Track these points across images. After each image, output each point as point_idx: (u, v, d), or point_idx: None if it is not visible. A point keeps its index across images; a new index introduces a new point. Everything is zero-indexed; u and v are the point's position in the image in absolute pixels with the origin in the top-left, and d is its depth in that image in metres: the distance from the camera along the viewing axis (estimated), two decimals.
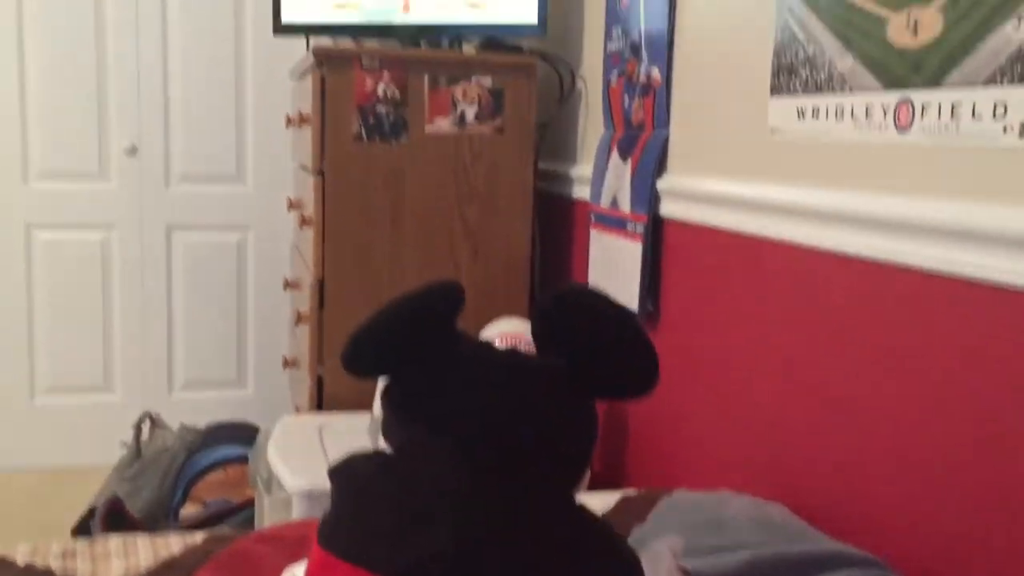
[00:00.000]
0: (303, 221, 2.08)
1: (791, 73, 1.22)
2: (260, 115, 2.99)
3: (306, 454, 1.66)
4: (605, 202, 1.84)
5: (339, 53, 1.94)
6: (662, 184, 1.61)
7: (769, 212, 1.28)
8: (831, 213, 1.13)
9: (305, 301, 2.09)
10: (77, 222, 2.90)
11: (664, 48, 1.62)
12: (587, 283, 1.94)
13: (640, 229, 1.67)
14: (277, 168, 3.02)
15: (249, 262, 3.05)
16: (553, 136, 2.25)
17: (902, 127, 1.02)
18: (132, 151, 2.90)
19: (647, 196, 1.65)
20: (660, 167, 1.64)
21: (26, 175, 2.86)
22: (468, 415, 0.66)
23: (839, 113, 1.12)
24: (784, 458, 1.26)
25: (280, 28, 2.15)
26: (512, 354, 0.71)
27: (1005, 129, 0.87)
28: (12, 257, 2.87)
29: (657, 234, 1.65)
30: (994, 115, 0.88)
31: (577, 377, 0.69)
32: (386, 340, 0.69)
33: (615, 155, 1.80)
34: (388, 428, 0.71)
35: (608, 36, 1.86)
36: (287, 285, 2.47)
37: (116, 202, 2.92)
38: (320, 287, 1.97)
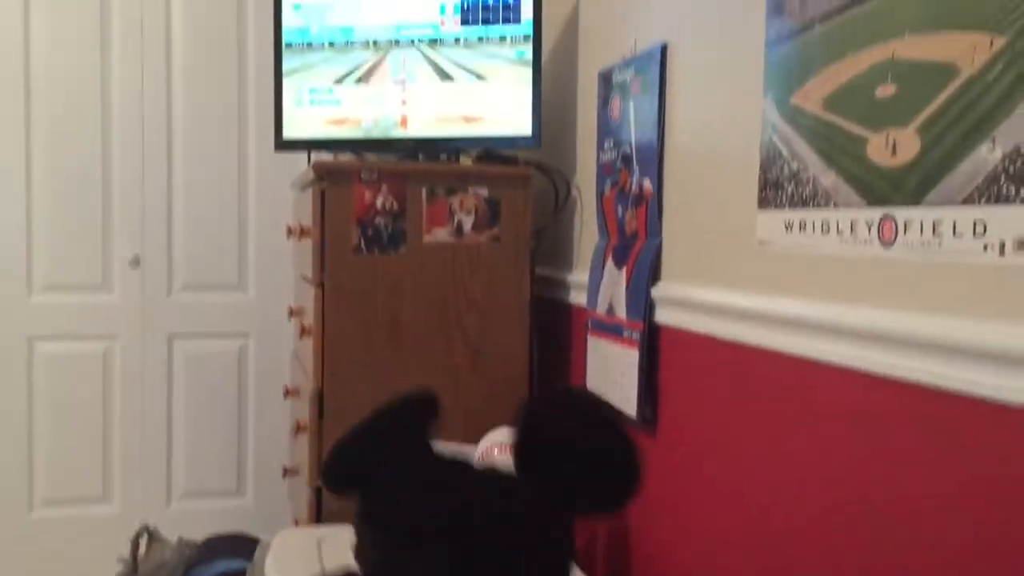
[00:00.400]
0: (303, 331, 2.09)
1: (777, 187, 1.25)
2: (262, 224, 3.04)
3: (304, 569, 1.63)
4: (601, 309, 1.86)
5: (339, 167, 1.98)
6: (656, 292, 1.63)
7: (761, 322, 1.29)
8: (821, 325, 1.15)
9: (305, 410, 2.09)
10: (79, 333, 2.92)
11: (655, 160, 1.66)
12: (575, 386, 1.94)
13: (636, 336, 1.68)
14: (278, 275, 3.05)
15: (250, 369, 3.06)
16: (549, 243, 2.28)
17: (886, 242, 1.04)
18: (135, 262, 2.94)
19: (642, 304, 1.67)
20: (654, 275, 1.66)
21: (30, 288, 2.89)
22: (433, 535, 0.66)
23: (825, 227, 1.15)
24: (787, 570, 1.25)
25: (281, 144, 2.20)
26: (484, 472, 0.71)
27: (986, 247, 0.89)
28: (13, 370, 2.88)
29: (653, 341, 1.66)
30: (974, 233, 0.90)
31: (551, 495, 0.68)
32: (357, 458, 0.70)
33: (610, 263, 1.83)
34: (359, 548, 0.71)
35: (600, 147, 1.91)
36: (287, 393, 2.47)
37: (118, 312, 2.95)
38: (320, 397, 1.98)
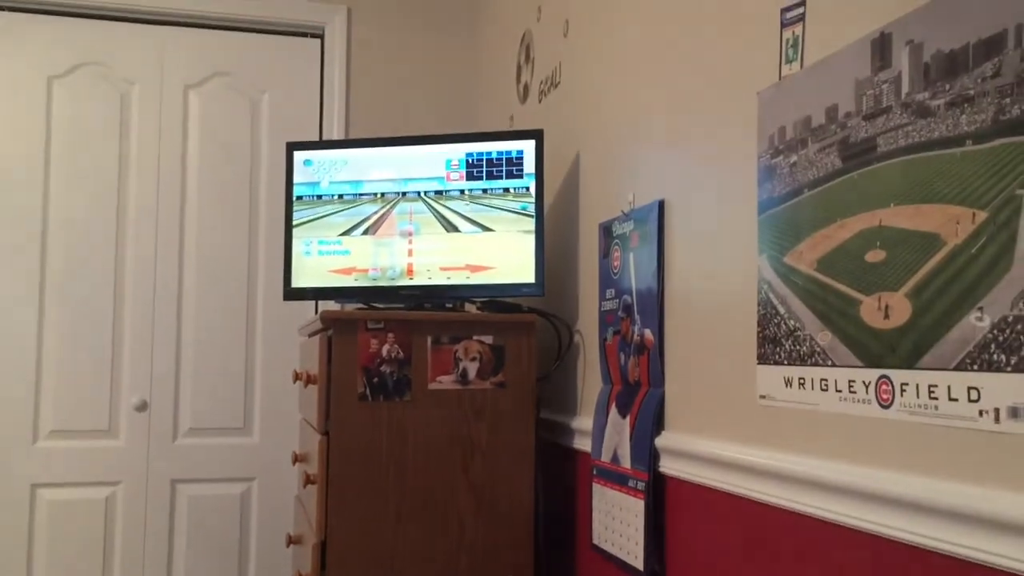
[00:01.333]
0: (307, 479, 2.08)
1: (775, 344, 1.28)
2: (269, 368, 3.06)
3: None
4: (606, 456, 1.85)
5: (346, 317, 2.01)
6: (661, 442, 1.64)
7: (764, 477, 1.29)
8: (823, 483, 1.15)
9: (307, 561, 2.05)
10: (82, 480, 2.90)
11: (655, 311, 1.69)
12: (592, 537, 1.92)
13: (641, 486, 1.68)
14: (284, 419, 3.06)
15: (252, 514, 3.02)
16: (553, 389, 2.29)
17: (884, 403, 1.05)
18: (142, 407, 2.95)
19: (647, 453, 1.66)
20: (658, 425, 1.66)
21: (36, 435, 2.89)
22: None
23: (824, 385, 1.16)
24: None
25: (290, 293, 2.24)
26: None
27: (981, 413, 0.91)
28: (15, 517, 2.85)
29: (659, 491, 1.65)
30: (969, 399, 0.92)
31: None
32: None
33: (614, 411, 1.83)
34: None
35: (602, 296, 1.95)
36: (290, 541, 2.44)
37: (123, 458, 2.94)
38: (323, 548, 1.95)
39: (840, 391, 1.13)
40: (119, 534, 2.92)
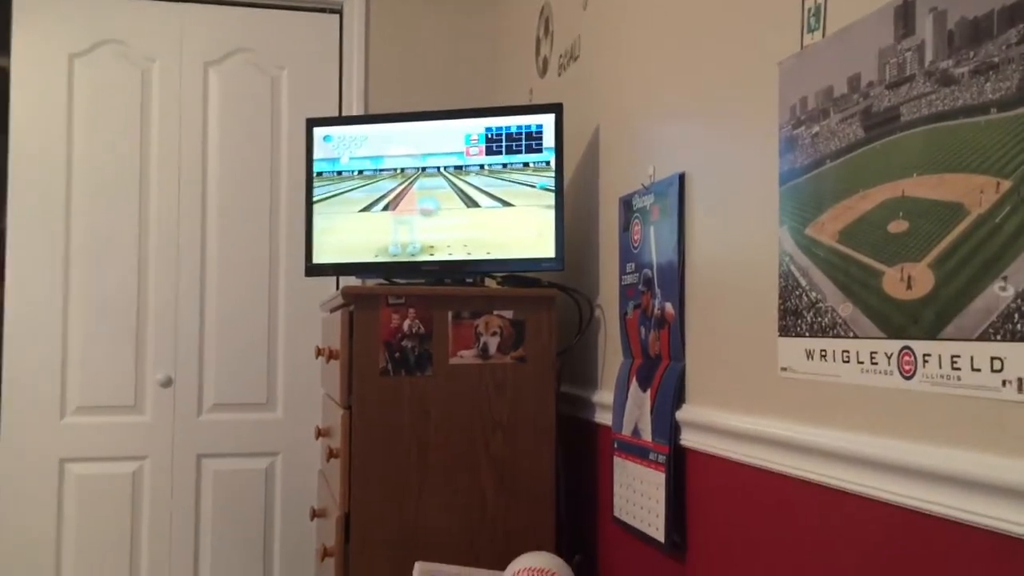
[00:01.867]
0: (330, 453, 2.10)
1: (797, 316, 1.27)
2: (291, 345, 3.08)
3: None
4: (627, 430, 1.86)
5: (366, 292, 2.02)
6: (681, 415, 1.64)
7: (785, 449, 1.29)
8: (844, 454, 1.15)
9: (331, 533, 2.08)
10: (110, 455, 2.94)
11: (676, 285, 1.68)
12: (613, 511, 1.93)
13: (662, 459, 1.68)
14: (307, 395, 3.08)
15: (277, 488, 3.06)
16: (574, 363, 2.30)
17: (907, 374, 1.05)
18: (167, 383, 2.98)
19: (667, 426, 1.67)
20: (679, 398, 1.66)
21: (63, 410, 2.93)
22: None
23: (846, 357, 1.16)
24: None
25: (311, 269, 2.25)
26: None
27: (1004, 383, 0.90)
28: (44, 492, 2.90)
29: (679, 464, 1.65)
30: (992, 369, 0.92)
31: None
32: None
33: (635, 385, 1.84)
34: None
35: (622, 270, 1.95)
36: (314, 515, 2.47)
37: (149, 433, 2.97)
38: (346, 521, 1.97)
39: (862, 362, 1.13)
40: (146, 508, 2.96)
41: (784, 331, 1.31)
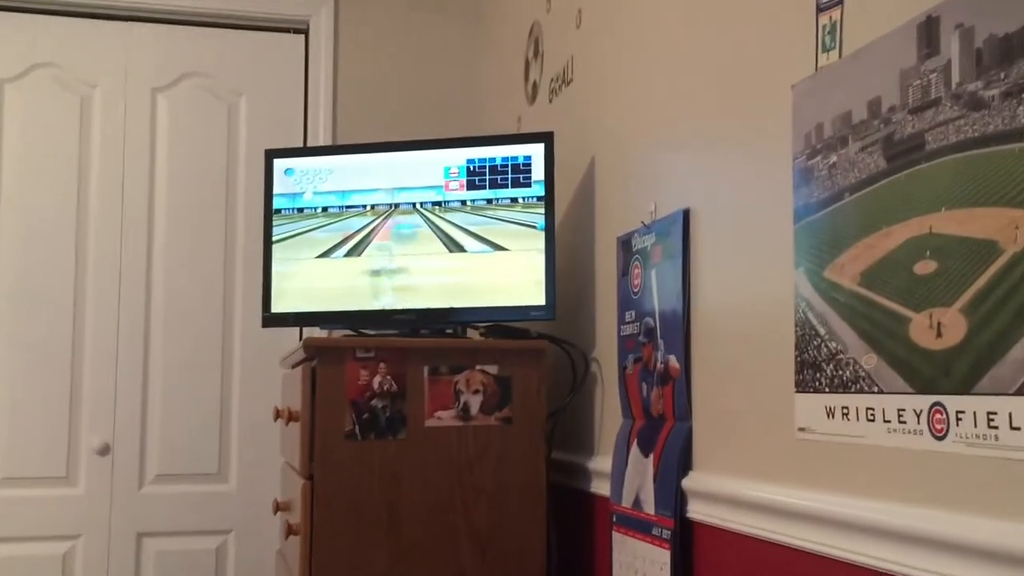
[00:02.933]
0: (289, 530, 2.08)
1: (815, 369, 1.28)
2: (247, 406, 3.07)
3: None
4: (627, 501, 1.85)
5: (332, 344, 2.02)
6: (688, 483, 1.63)
7: (804, 521, 1.29)
8: (870, 526, 1.14)
9: None
10: (37, 533, 2.91)
11: (680, 335, 1.69)
12: None
13: (667, 534, 1.67)
14: (264, 463, 3.06)
15: (229, 572, 3.03)
16: (567, 425, 2.29)
17: (938, 433, 1.05)
18: (104, 450, 2.96)
19: (672, 497, 1.66)
20: (685, 464, 1.66)
21: None
22: None
23: (870, 415, 1.16)
24: None
25: (270, 319, 2.25)
26: None
27: None
28: None
29: (687, 540, 1.64)
30: None
31: None
32: None
33: (635, 449, 1.83)
34: None
35: (621, 319, 1.95)
36: None
37: (82, 508, 2.94)
38: None
39: (888, 421, 1.13)
40: None
41: (801, 386, 1.31)
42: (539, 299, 2.11)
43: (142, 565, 2.97)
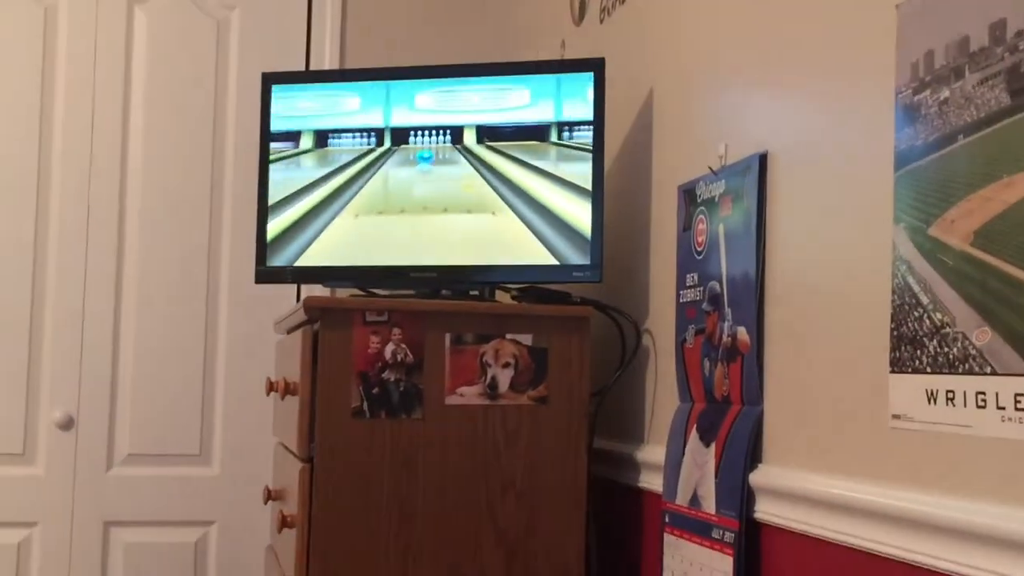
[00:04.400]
0: (284, 522, 2.11)
1: (915, 345, 1.27)
2: (234, 376, 3.09)
3: None
4: (682, 499, 1.85)
5: (337, 305, 2.03)
6: (756, 478, 1.63)
7: (896, 525, 1.29)
8: (977, 532, 1.14)
9: None
10: None
11: (753, 303, 1.68)
12: None
13: (730, 537, 1.68)
14: (253, 445, 3.08)
15: (210, 570, 3.06)
16: (613, 407, 2.29)
17: None
18: (67, 424, 2.99)
19: (737, 493, 1.66)
20: (753, 456, 1.66)
21: None
22: None
23: (980, 400, 1.16)
24: None
25: (264, 274, 2.27)
26: None
27: None
28: None
29: (753, 544, 1.65)
30: None
31: None
32: None
33: (694, 437, 1.84)
34: None
35: (681, 283, 1.95)
36: None
37: (41, 491, 2.98)
38: None
39: (1003, 408, 1.12)
40: None
41: (898, 366, 1.30)
42: (583, 257, 2.11)
43: (109, 559, 3.01)
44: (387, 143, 2.22)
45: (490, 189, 2.16)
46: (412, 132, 2.21)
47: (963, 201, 1.20)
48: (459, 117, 2.20)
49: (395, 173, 2.21)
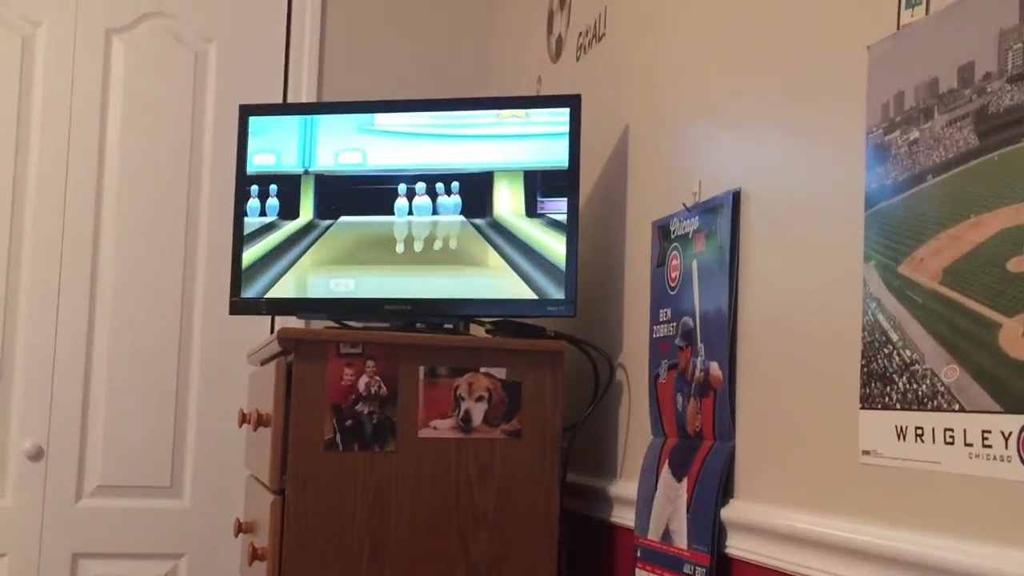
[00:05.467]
0: (254, 555, 2.09)
1: (885, 381, 1.28)
2: (206, 408, 3.08)
3: None
4: (654, 534, 1.85)
5: (312, 336, 2.03)
6: (728, 513, 1.64)
7: (867, 561, 1.29)
8: (948, 569, 1.15)
9: None
10: None
11: (725, 339, 1.69)
12: None
13: (701, 572, 1.68)
14: (225, 476, 3.07)
15: None
16: (586, 442, 2.30)
17: None
18: (36, 455, 2.97)
19: (709, 529, 1.67)
20: (725, 491, 1.67)
21: None
22: None
23: (949, 437, 1.17)
24: None
25: (239, 305, 2.26)
26: None
27: None
28: None
29: None
30: None
31: None
32: None
33: (666, 472, 1.84)
34: None
35: (654, 318, 1.96)
36: None
37: (9, 523, 2.96)
38: None
39: (971, 444, 1.13)
40: None
41: (868, 402, 1.32)
42: (558, 292, 2.12)
43: None
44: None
45: (474, 231, 2.17)
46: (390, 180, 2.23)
47: (932, 240, 1.22)
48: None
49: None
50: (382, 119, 2.23)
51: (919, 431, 1.22)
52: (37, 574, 2.96)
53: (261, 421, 2.15)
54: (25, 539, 2.96)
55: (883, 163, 1.32)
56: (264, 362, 2.27)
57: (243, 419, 2.32)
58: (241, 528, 2.41)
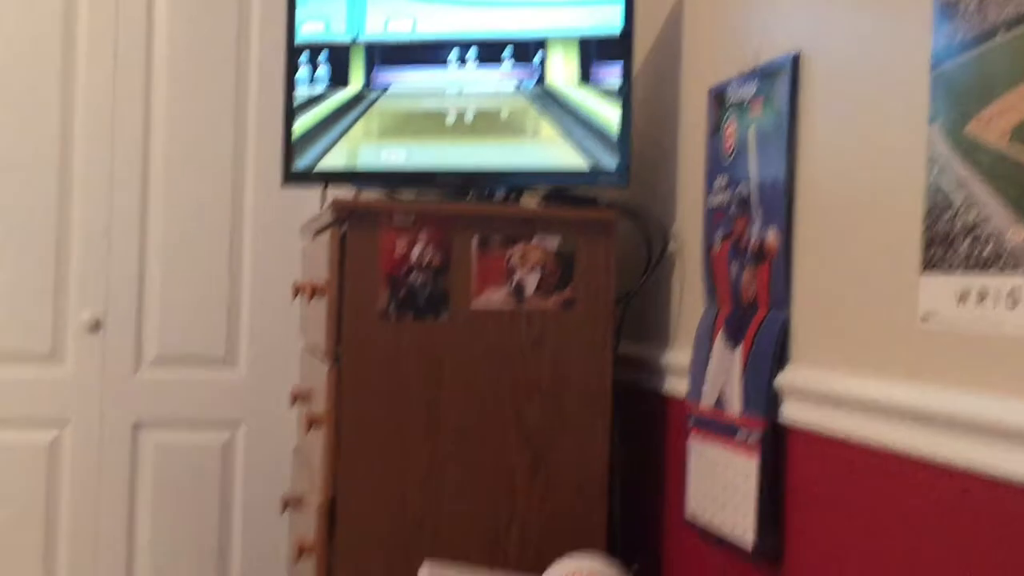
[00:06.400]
0: (311, 421, 2.13)
1: (948, 244, 1.26)
2: (260, 281, 3.10)
3: None
4: (708, 401, 1.86)
5: (365, 207, 2.03)
6: (783, 379, 1.64)
7: (925, 424, 1.29)
8: (1008, 430, 1.14)
9: (310, 526, 2.11)
10: (18, 418, 2.99)
11: (782, 205, 1.67)
12: (685, 508, 1.94)
13: (755, 439, 1.69)
14: (279, 347, 3.11)
15: (237, 470, 3.11)
16: (638, 313, 2.30)
17: None
18: (95, 326, 3.02)
19: (764, 395, 1.67)
20: (780, 357, 1.66)
21: None
22: None
23: (1012, 299, 1.15)
24: None
25: (291, 176, 2.26)
26: None
27: None
28: None
29: (779, 446, 1.66)
30: None
31: None
32: None
33: (720, 340, 1.84)
34: None
35: (709, 187, 1.94)
36: (286, 505, 2.51)
37: (70, 392, 3.02)
38: (331, 509, 2.00)
39: None
40: (66, 490, 3.01)
41: (929, 265, 1.30)
42: (610, 161, 2.10)
43: (139, 459, 3.06)
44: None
45: (526, 100, 2.15)
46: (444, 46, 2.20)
47: (1002, 98, 1.19)
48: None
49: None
50: None
51: (982, 293, 1.20)
52: (99, 443, 3.03)
53: (316, 291, 2.16)
54: (87, 408, 3.02)
55: (950, 19, 1.28)
56: (317, 234, 2.28)
57: (297, 291, 2.34)
58: (297, 397, 2.44)
